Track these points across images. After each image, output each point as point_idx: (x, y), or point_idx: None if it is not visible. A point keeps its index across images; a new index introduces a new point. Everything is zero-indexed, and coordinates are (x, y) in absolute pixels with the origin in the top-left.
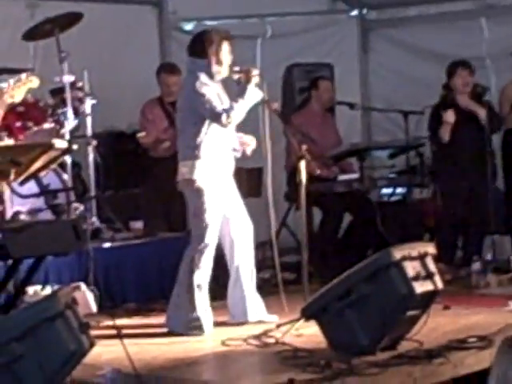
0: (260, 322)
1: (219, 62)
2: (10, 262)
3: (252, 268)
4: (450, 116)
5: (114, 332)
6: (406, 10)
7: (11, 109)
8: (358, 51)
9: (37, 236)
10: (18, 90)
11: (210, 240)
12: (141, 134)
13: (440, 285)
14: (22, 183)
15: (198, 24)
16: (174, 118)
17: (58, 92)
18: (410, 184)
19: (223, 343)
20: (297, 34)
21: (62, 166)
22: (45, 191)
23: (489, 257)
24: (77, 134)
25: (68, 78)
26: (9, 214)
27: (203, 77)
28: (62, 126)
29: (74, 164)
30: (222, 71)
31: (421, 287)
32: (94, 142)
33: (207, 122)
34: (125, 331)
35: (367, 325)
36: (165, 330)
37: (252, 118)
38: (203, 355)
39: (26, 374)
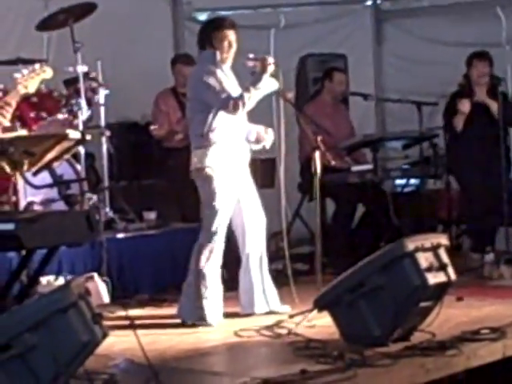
0: (272, 312)
1: (223, 51)
2: (24, 252)
3: (263, 259)
4: (465, 105)
5: (126, 322)
6: (420, 0)
7: (25, 99)
8: (371, 42)
9: (50, 226)
10: (32, 80)
11: (220, 228)
12: (154, 127)
13: (453, 276)
14: (35, 174)
15: (212, 14)
16: None
17: (72, 82)
18: (423, 175)
19: (235, 334)
20: (310, 25)
21: (76, 156)
22: (58, 182)
23: (502, 248)
24: (90, 125)
25: (82, 69)
26: (22, 205)
27: (209, 66)
28: (75, 116)
29: (88, 154)
30: (226, 59)
31: (434, 278)
32: (108, 133)
33: (214, 110)
34: (137, 322)
35: (380, 316)
36: (177, 320)
37: (265, 108)
38: (215, 346)
39: (39, 364)
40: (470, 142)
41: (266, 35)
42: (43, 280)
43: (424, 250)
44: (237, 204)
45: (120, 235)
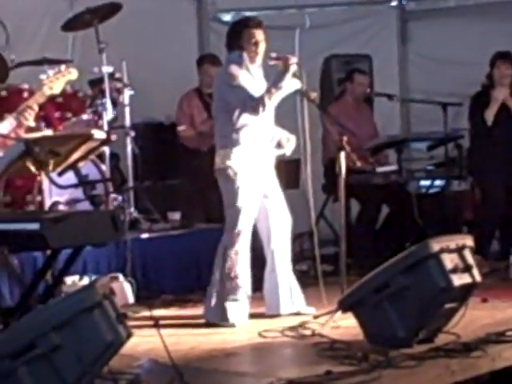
0: (296, 313)
1: (251, 50)
2: (49, 252)
3: (289, 260)
4: (500, 92)
5: (151, 323)
6: (446, 0)
7: (50, 100)
8: (396, 42)
9: (75, 226)
10: (57, 81)
11: (243, 228)
12: (181, 128)
13: (478, 277)
14: (60, 174)
15: (237, 15)
16: None
17: (97, 83)
18: (448, 176)
19: (260, 335)
20: (335, 25)
21: (101, 156)
22: (83, 182)
23: None
24: (115, 125)
25: (107, 69)
26: (47, 205)
27: (234, 67)
28: (100, 116)
29: (113, 155)
30: (255, 59)
31: (459, 280)
32: (132, 133)
33: (237, 111)
34: (162, 322)
35: (405, 317)
36: (202, 321)
37: (289, 108)
38: (240, 347)
39: (64, 364)
40: (493, 144)
41: (291, 36)
42: (68, 280)
43: (449, 251)
44: (262, 204)
45: (144, 235)
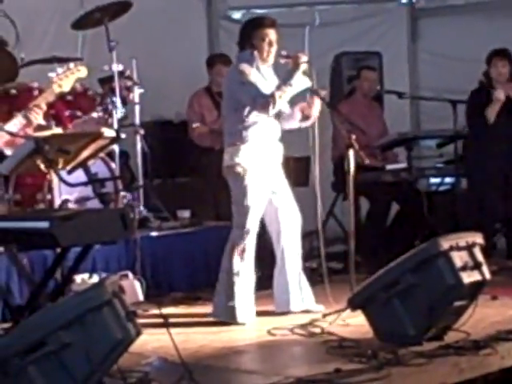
0: (306, 311)
1: (263, 50)
2: (58, 250)
3: (298, 257)
4: (501, 93)
5: (160, 321)
6: None
7: (60, 98)
8: (406, 40)
9: (85, 224)
10: (67, 79)
11: (251, 226)
12: (196, 125)
13: (488, 275)
14: (70, 172)
15: (247, 13)
16: None
17: (107, 81)
18: (458, 174)
19: (269, 333)
20: (345, 23)
21: (110, 154)
22: (93, 180)
23: None
24: (125, 123)
25: (117, 67)
26: (57, 203)
27: (244, 65)
28: (110, 114)
29: (122, 153)
30: (267, 59)
31: (468, 277)
32: (142, 131)
33: (247, 109)
34: (171, 320)
35: (414, 315)
36: (211, 319)
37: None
38: (249, 345)
39: (73, 361)
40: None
41: (301, 33)
42: (77, 278)
43: (459, 248)
44: (270, 202)
45: (154, 233)
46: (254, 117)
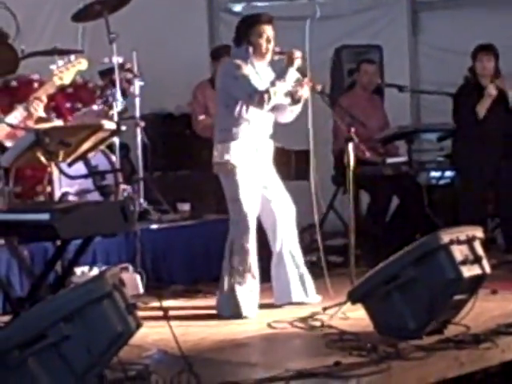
0: (304, 303)
1: (260, 46)
2: (59, 242)
3: (296, 249)
4: (492, 89)
5: (160, 313)
6: None
7: (60, 90)
8: (407, 33)
9: (85, 217)
10: (67, 72)
11: (248, 221)
12: (202, 117)
13: (488, 269)
14: (70, 164)
15: (247, 5)
16: None
17: (107, 73)
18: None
19: (269, 326)
20: (346, 16)
21: (111, 147)
22: (93, 172)
23: None
24: (125, 116)
25: (117, 60)
26: (57, 195)
27: (238, 61)
28: (110, 107)
29: (122, 145)
30: (265, 55)
31: (468, 271)
32: (142, 124)
33: (239, 105)
34: (171, 313)
35: (414, 308)
36: (211, 311)
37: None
38: (249, 337)
39: (73, 354)
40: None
41: (302, 26)
42: (78, 270)
43: (459, 242)
44: (263, 196)
45: (154, 226)
46: (246, 114)
